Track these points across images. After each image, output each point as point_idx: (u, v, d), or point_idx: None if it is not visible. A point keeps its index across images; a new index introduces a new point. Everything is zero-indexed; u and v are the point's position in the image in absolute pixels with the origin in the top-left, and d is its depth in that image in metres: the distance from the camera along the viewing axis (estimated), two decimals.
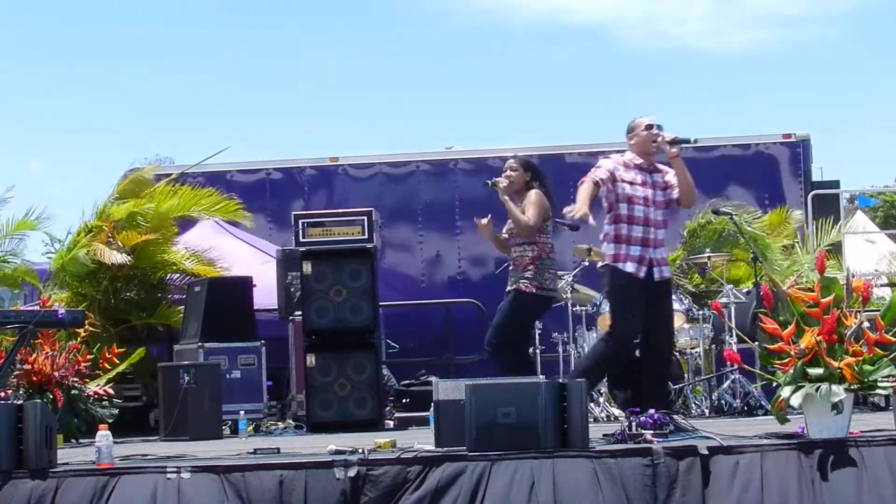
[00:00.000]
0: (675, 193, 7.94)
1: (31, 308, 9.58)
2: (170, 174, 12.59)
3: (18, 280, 11.69)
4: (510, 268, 8.65)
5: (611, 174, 7.90)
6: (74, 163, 53.92)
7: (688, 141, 8.10)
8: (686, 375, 9.91)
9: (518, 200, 8.58)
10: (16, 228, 11.55)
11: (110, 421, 9.13)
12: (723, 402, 9.63)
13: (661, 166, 8.09)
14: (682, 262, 11.84)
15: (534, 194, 8.51)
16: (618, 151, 13.33)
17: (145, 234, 11.31)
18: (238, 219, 12.12)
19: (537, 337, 10.31)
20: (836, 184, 13.71)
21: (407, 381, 11.70)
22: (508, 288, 8.62)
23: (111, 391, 9.69)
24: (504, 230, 8.73)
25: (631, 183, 7.88)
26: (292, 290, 10.79)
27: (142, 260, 11.36)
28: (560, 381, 7.46)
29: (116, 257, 10.99)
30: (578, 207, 7.70)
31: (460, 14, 52.27)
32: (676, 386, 9.58)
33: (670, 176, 8.00)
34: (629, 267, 7.86)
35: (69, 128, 52.19)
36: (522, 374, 8.51)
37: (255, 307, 11.09)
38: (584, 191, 7.86)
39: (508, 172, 8.66)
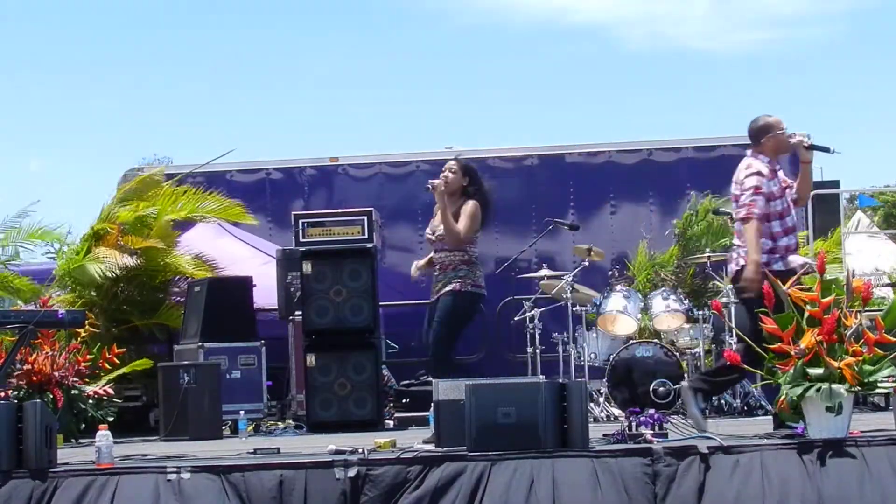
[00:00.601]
0: (794, 194, 7.64)
1: (31, 308, 9.59)
2: (173, 175, 12.57)
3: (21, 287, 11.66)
4: (435, 273, 8.13)
5: (766, 197, 7.47)
6: (74, 162, 53.91)
7: (827, 150, 7.58)
8: (686, 375, 9.91)
9: (450, 203, 8.07)
10: (28, 237, 11.57)
11: (110, 419, 9.16)
12: (723, 402, 9.63)
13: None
14: (680, 261, 11.83)
15: (471, 206, 8.02)
16: (621, 151, 13.57)
17: (149, 240, 11.31)
18: (242, 221, 12.10)
19: (537, 337, 10.31)
20: (836, 184, 13.69)
21: (407, 381, 11.70)
22: (438, 293, 8.12)
23: (111, 391, 9.70)
24: (432, 233, 8.22)
25: (780, 197, 7.38)
26: (292, 290, 10.78)
27: (146, 262, 11.37)
28: (560, 380, 7.46)
29: (126, 260, 11.00)
30: (753, 272, 7.08)
31: (460, 14, 52.28)
32: (676, 386, 9.58)
33: (783, 175, 7.68)
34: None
35: (69, 127, 52.18)
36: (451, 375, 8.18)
37: (255, 307, 11.09)
38: (754, 236, 7.20)
39: (446, 173, 8.16)
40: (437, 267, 8.09)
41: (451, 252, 8.02)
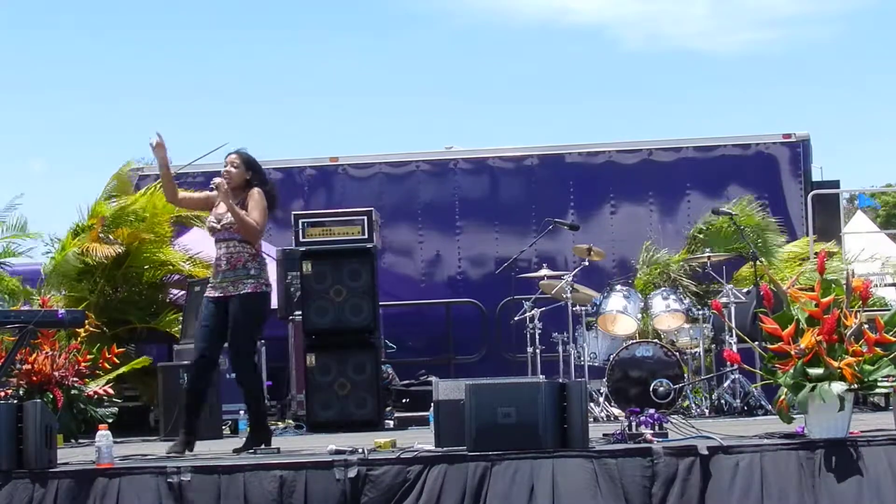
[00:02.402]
0: None
1: (31, 308, 9.59)
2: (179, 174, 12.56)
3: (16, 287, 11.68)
4: (222, 266, 7.48)
5: None
6: (75, 162, 53.90)
7: None
8: (686, 375, 9.92)
9: (234, 197, 7.54)
10: (13, 237, 11.59)
11: (110, 421, 9.16)
12: (723, 402, 9.63)
13: None
14: (684, 263, 11.84)
15: (257, 193, 7.56)
16: (621, 151, 13.58)
17: (139, 231, 11.31)
18: None
19: (537, 337, 10.31)
20: (836, 184, 13.70)
21: (407, 381, 11.71)
22: (227, 291, 7.42)
23: (111, 391, 9.71)
24: (217, 221, 7.56)
25: None
26: (292, 290, 10.78)
27: (137, 259, 11.38)
28: (560, 380, 7.46)
29: (107, 251, 11.00)
30: None
31: (460, 14, 52.27)
32: (676, 386, 9.58)
33: None
34: None
35: (70, 127, 52.18)
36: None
37: None
38: None
39: (229, 168, 7.68)
40: (225, 261, 7.48)
41: (240, 244, 7.52)
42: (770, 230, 12.01)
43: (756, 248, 10.80)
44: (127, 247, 11.28)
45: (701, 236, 12.05)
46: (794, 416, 6.17)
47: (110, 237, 11.22)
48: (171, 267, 11.60)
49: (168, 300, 11.80)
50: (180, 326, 11.13)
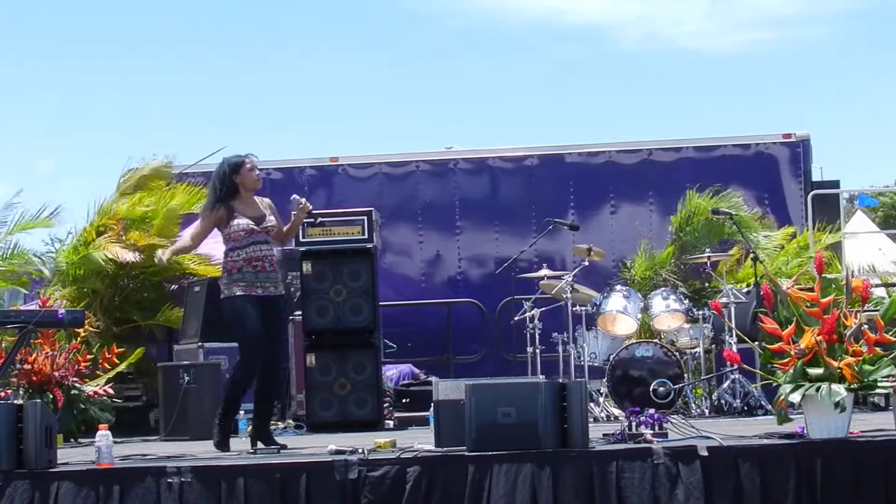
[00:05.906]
0: None
1: (31, 308, 9.59)
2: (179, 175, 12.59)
3: (24, 277, 11.70)
4: (265, 267, 7.53)
5: None
6: (78, 163, 53.89)
7: None
8: (686, 375, 9.91)
9: (249, 199, 7.69)
10: (28, 226, 11.58)
11: (110, 421, 9.16)
12: (723, 402, 9.63)
13: None
14: (678, 261, 11.82)
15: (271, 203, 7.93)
16: (621, 151, 13.57)
17: (152, 236, 11.32)
18: None
19: (537, 337, 10.30)
20: (836, 184, 13.70)
21: (407, 381, 11.69)
22: (268, 291, 7.51)
23: (111, 391, 9.71)
24: (258, 223, 7.59)
25: None
26: (292, 290, 10.77)
27: (148, 260, 11.39)
28: (560, 380, 7.47)
29: (129, 256, 11.03)
30: None
31: (459, 14, 52.26)
32: (676, 386, 9.58)
33: None
34: None
35: (73, 128, 52.17)
36: None
37: None
38: None
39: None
40: (268, 263, 7.56)
41: (271, 247, 7.69)
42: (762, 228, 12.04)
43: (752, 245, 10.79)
44: (139, 248, 11.30)
45: (687, 230, 12.05)
46: (791, 418, 6.18)
47: (131, 241, 11.23)
48: (178, 267, 11.59)
49: (167, 293, 11.78)
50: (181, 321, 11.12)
